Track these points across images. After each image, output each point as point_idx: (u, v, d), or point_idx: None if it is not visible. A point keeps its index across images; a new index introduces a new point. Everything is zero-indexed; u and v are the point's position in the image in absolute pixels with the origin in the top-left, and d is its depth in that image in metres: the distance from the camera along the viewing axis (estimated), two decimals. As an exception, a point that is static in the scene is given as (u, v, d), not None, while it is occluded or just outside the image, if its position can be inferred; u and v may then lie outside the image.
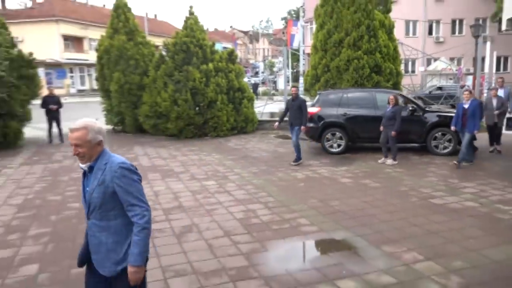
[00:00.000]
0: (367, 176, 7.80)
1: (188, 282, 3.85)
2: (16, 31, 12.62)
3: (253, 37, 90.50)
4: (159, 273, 4.04)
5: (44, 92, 13.07)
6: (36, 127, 14.12)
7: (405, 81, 15.80)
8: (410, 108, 9.66)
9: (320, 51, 12.98)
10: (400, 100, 9.68)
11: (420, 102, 11.24)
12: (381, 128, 8.99)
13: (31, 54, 12.43)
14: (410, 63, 30.26)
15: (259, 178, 7.79)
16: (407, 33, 32.08)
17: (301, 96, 9.08)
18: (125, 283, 2.44)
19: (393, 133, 8.60)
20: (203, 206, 6.13)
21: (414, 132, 9.66)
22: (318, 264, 4.22)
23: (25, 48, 12.61)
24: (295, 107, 8.83)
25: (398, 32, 16.53)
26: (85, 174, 2.52)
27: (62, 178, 8.08)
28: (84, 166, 2.49)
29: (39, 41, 35.44)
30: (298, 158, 8.93)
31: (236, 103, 13.48)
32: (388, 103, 8.93)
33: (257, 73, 59.89)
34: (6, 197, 6.82)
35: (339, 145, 10.01)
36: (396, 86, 12.74)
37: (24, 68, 12.01)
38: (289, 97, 9.67)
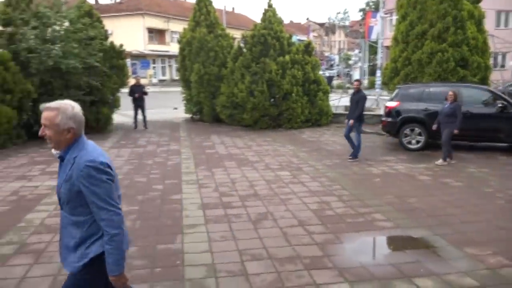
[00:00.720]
0: (447, 175, 7.45)
1: (264, 266, 4.00)
2: (106, 24, 13.60)
3: (329, 29, 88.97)
4: (236, 256, 4.23)
5: (131, 81, 14.07)
6: (123, 114, 15.19)
7: (494, 76, 14.69)
8: (500, 105, 9.00)
9: (401, 43, 12.49)
10: (489, 97, 9.08)
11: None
12: (435, 126, 8.47)
13: (121, 45, 13.38)
14: (500, 57, 28.00)
15: (333, 171, 7.77)
16: (498, 24, 29.65)
17: (364, 91, 8.88)
18: (85, 279, 2.30)
19: (455, 131, 8.03)
20: (277, 195, 6.26)
21: (503, 130, 9.00)
22: (393, 260, 4.16)
23: (114, 40, 13.57)
24: (355, 101, 8.67)
25: (489, 24, 15.36)
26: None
27: (147, 162, 8.67)
28: (55, 153, 2.33)
29: (126, 34, 37.77)
30: (354, 155, 8.74)
31: (311, 95, 13.46)
32: (446, 99, 8.37)
33: (331, 66, 58.94)
34: (99, 176, 7.48)
35: (418, 142, 9.62)
36: (484, 81, 11.90)
37: (115, 58, 13.00)
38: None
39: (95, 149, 2.28)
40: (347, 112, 13.93)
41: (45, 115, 2.22)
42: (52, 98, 10.80)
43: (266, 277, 3.78)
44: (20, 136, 10.58)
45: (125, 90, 13.73)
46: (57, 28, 11.43)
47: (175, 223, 5.13)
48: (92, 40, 11.82)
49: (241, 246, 4.46)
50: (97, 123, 12.42)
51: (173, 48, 38.11)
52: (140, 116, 13.50)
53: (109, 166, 2.23)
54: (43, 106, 2.24)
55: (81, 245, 2.26)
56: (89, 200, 2.18)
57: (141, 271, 3.90)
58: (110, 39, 13.61)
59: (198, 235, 4.74)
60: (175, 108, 19.03)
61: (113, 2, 46.72)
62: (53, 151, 2.32)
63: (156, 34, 44.23)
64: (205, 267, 3.96)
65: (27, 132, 10.77)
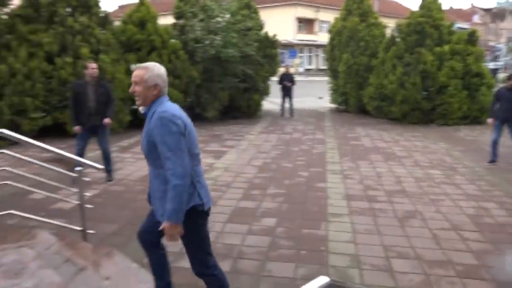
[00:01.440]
0: None
1: (411, 266, 3.86)
2: (261, 15, 14.32)
3: (497, 15, 78.46)
4: (380, 251, 4.16)
5: (281, 70, 14.63)
6: (271, 101, 15.93)
7: None
8: None
9: None
10: None
11: None
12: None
13: (274, 35, 13.99)
14: None
15: (494, 175, 6.97)
16: None
17: None
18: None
19: None
20: (427, 195, 5.91)
21: None
22: None
23: (266, 30, 14.22)
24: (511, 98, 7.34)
25: None
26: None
27: (293, 148, 8.99)
28: (141, 109, 2.57)
29: (277, 24, 39.16)
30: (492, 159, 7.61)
31: (471, 90, 12.17)
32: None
33: (496, 57, 52.07)
34: (249, 158, 8.05)
35: None
36: None
37: (268, 48, 13.66)
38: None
39: (172, 106, 2.50)
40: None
41: (136, 73, 2.51)
42: (212, 84, 11.98)
43: (413, 278, 3.65)
44: (184, 117, 11.94)
45: (275, 78, 14.35)
46: (220, 19, 12.48)
47: (320, 210, 5.25)
48: (249, 31, 12.61)
49: (386, 241, 4.37)
50: (248, 108, 13.31)
51: (321, 37, 38.24)
52: (287, 104, 13.99)
53: (180, 119, 2.41)
54: (133, 66, 2.56)
55: (164, 197, 2.45)
56: (159, 150, 2.38)
57: (287, 251, 4.13)
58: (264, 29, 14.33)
59: (342, 225, 4.78)
60: (320, 98, 19.17)
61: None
62: (140, 108, 2.57)
63: (305, 24, 44.86)
64: (348, 257, 4.00)
65: (190, 114, 12.07)
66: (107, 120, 6.01)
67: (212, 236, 4.36)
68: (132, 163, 7.55)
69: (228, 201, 5.58)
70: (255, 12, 14.00)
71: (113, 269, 3.42)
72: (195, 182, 2.54)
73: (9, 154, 3.88)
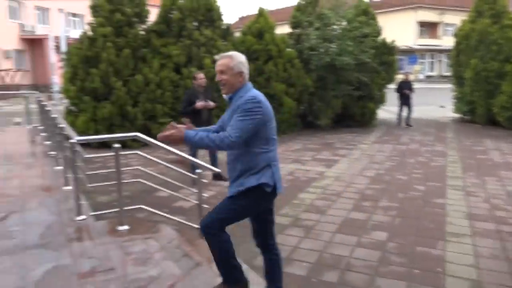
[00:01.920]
0: None
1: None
2: (378, 20, 13.85)
3: None
4: (508, 279, 3.72)
5: (399, 77, 13.97)
6: (386, 110, 15.29)
7: None
8: None
9: None
10: None
11: None
12: None
13: (393, 41, 13.44)
14: None
15: None
16: None
17: None
18: (237, 204, 2.71)
19: None
20: None
21: None
22: None
23: (384, 36, 13.71)
24: None
25: None
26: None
27: (409, 160, 8.51)
28: (226, 96, 2.71)
29: (397, 29, 37.51)
30: None
31: None
32: None
33: None
34: (361, 169, 7.84)
35: None
36: None
37: (385, 55, 13.16)
38: None
39: (258, 92, 2.68)
40: None
41: (221, 62, 2.67)
42: (325, 92, 11.96)
43: (548, 314, 3.21)
44: (296, 125, 12.11)
45: (392, 86, 13.76)
46: (335, 27, 12.41)
47: (437, 228, 4.89)
48: (366, 37, 12.31)
49: (518, 269, 3.89)
50: (362, 117, 12.97)
51: (445, 42, 35.58)
52: (404, 113, 13.30)
53: (264, 107, 2.59)
54: (218, 56, 2.71)
55: (240, 176, 2.68)
56: (232, 120, 2.57)
57: (399, 268, 3.93)
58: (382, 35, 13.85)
59: (462, 246, 4.39)
60: (442, 107, 17.84)
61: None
62: (225, 96, 2.72)
63: (428, 28, 42.17)
64: (469, 283, 3.66)
65: (302, 121, 12.25)
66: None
67: (320, 245, 4.38)
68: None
69: (337, 211, 5.51)
70: (373, 18, 13.61)
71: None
72: (272, 164, 2.69)
73: (141, 155, 4.37)
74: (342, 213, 5.40)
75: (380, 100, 13.44)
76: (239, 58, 2.69)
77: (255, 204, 2.75)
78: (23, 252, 3.67)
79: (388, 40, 13.52)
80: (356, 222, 5.11)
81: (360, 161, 8.46)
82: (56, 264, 3.46)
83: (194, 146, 2.62)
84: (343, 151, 9.49)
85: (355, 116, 13.00)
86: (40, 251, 3.71)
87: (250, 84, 2.73)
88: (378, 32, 13.43)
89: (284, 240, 4.54)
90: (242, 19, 45.05)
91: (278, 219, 5.16)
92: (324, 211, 5.47)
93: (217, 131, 2.78)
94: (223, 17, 11.28)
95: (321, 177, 7.22)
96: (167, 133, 2.55)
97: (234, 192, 2.72)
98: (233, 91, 2.68)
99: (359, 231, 4.81)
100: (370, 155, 9.06)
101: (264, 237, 2.92)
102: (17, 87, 24.10)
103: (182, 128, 2.60)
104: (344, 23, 12.47)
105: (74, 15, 30.86)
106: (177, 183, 4.70)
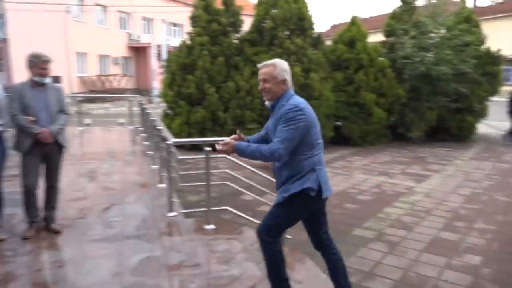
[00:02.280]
0: None
1: None
2: (483, 27, 12.83)
3: None
4: None
5: (505, 88, 12.81)
6: (488, 124, 14.10)
7: None
8: None
9: None
10: None
11: None
12: None
13: (498, 50, 12.39)
14: None
15: None
16: None
17: None
18: (283, 210, 2.74)
19: None
20: None
21: None
22: None
23: (489, 44, 12.67)
24: None
25: None
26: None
27: (511, 180, 7.78)
28: (268, 104, 2.75)
29: (503, 37, 34.42)
30: None
31: None
32: None
33: None
34: (456, 186, 7.33)
35: None
36: None
37: (489, 65, 12.18)
38: None
39: (301, 100, 2.67)
40: None
41: (264, 71, 2.72)
42: (419, 103, 11.42)
43: None
44: (386, 136, 11.68)
45: (496, 98, 12.66)
46: (433, 35, 11.77)
47: (542, 257, 4.42)
48: (467, 46, 11.50)
49: None
50: (460, 131, 12.11)
51: None
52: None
53: (307, 114, 2.61)
54: (261, 65, 2.76)
55: (286, 182, 2.72)
56: (277, 129, 2.61)
57: (493, 296, 3.63)
58: (486, 44, 12.83)
59: None
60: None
61: (493, 3, 43.41)
62: (267, 103, 2.76)
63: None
64: None
65: (392, 133, 11.78)
66: None
67: (405, 263, 4.21)
68: (330, 177, 7.80)
69: (426, 228, 5.23)
70: (476, 25, 12.68)
71: (304, 275, 3.64)
72: (317, 169, 2.70)
73: (229, 159, 4.57)
74: (431, 232, 5.11)
75: (481, 114, 12.43)
76: (282, 66, 2.73)
77: (301, 209, 2.77)
78: (121, 241, 4.04)
79: (493, 49, 12.49)
80: (446, 242, 4.81)
81: (454, 178, 7.92)
82: (149, 254, 3.76)
83: (245, 154, 2.72)
84: (435, 166, 8.95)
85: (451, 129, 12.17)
86: (136, 241, 4.05)
87: (291, 91, 2.75)
88: (481, 41, 12.48)
89: (367, 254, 4.43)
90: (334, 27, 44.62)
91: (361, 232, 5.06)
92: (411, 228, 5.22)
93: (264, 139, 2.89)
94: (314, 26, 11.31)
95: (410, 192, 6.90)
96: (219, 148, 2.69)
97: (280, 199, 2.77)
98: (276, 98, 2.73)
99: (449, 252, 4.52)
100: (466, 172, 8.44)
101: (319, 239, 2.95)
102: (123, 90, 26.43)
103: (233, 142, 2.70)
104: (443, 31, 11.79)
105: (175, 24, 33.02)
106: (261, 187, 4.83)
